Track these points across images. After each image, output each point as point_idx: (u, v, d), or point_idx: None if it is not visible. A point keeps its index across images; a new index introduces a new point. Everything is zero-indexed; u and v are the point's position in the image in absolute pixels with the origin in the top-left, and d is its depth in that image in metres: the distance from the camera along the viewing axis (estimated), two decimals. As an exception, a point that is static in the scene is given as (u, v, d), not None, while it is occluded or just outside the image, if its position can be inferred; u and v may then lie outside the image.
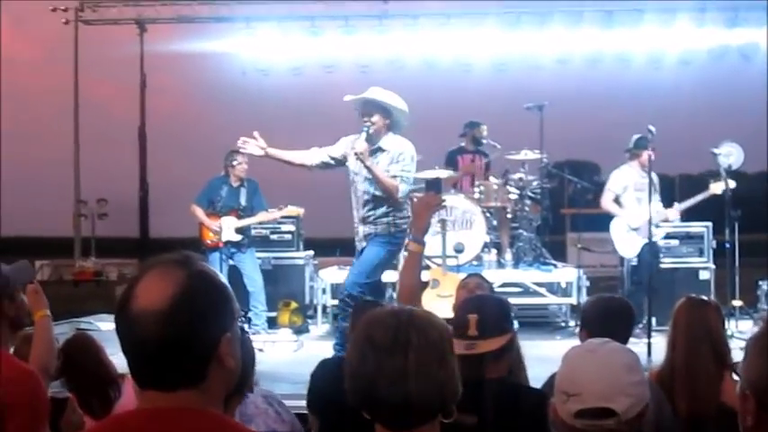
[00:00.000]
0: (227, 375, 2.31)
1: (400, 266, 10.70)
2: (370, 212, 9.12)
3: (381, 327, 2.69)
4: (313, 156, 9.36)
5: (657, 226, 11.46)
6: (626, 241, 11.71)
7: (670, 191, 14.54)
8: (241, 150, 9.55)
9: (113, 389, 3.91)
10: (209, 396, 2.28)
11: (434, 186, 4.88)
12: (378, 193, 9.04)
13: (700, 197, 11.83)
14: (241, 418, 3.98)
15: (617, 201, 11.79)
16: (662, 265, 11.77)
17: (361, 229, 9.19)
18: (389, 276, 11.63)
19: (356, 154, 8.93)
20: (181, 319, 2.21)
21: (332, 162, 9.36)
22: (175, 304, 2.21)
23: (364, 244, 9.17)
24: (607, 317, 5.05)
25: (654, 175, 11.44)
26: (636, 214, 11.45)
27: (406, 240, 4.92)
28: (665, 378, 5.05)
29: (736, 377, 3.23)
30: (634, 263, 11.91)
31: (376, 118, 9.00)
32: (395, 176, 8.98)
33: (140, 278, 2.27)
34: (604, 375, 2.92)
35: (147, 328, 2.20)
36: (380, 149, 9.04)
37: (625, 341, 4.79)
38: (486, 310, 4.29)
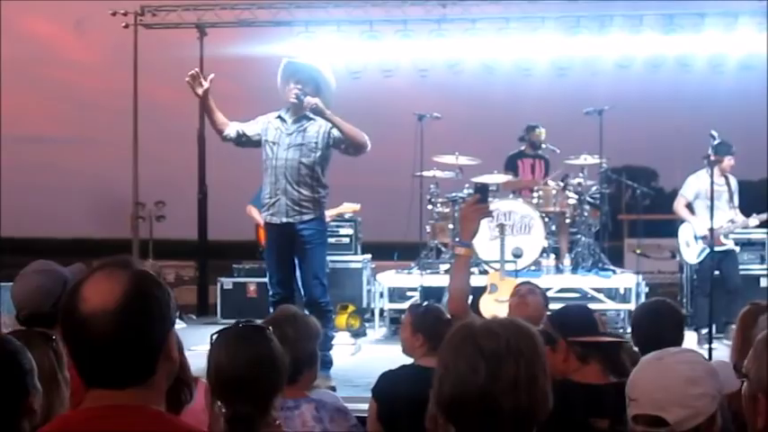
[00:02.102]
0: (172, 368, 2.42)
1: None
2: (295, 187, 8.62)
3: (491, 335, 2.62)
4: (231, 127, 8.89)
5: (727, 235, 11.45)
6: (691, 247, 11.66)
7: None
8: (186, 80, 8.77)
9: (186, 391, 3.90)
10: (155, 391, 2.37)
11: (481, 192, 4.86)
12: (304, 160, 8.61)
13: None
14: None
15: (690, 206, 11.70)
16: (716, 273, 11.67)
17: (284, 202, 8.63)
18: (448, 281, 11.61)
19: (312, 107, 8.56)
20: (132, 317, 2.30)
21: (243, 139, 8.88)
22: (125, 303, 2.29)
23: (284, 219, 8.64)
24: (655, 320, 5.04)
25: (733, 181, 11.40)
26: (704, 223, 11.35)
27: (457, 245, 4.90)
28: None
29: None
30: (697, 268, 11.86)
31: (309, 89, 8.66)
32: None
33: (84, 282, 2.36)
34: (661, 384, 2.90)
35: (100, 329, 2.27)
36: (308, 117, 8.68)
37: (674, 344, 4.76)
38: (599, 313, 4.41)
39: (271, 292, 8.83)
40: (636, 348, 5.21)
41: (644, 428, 2.88)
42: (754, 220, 11.66)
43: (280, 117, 8.80)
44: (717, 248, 11.14)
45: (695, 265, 11.95)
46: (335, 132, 8.60)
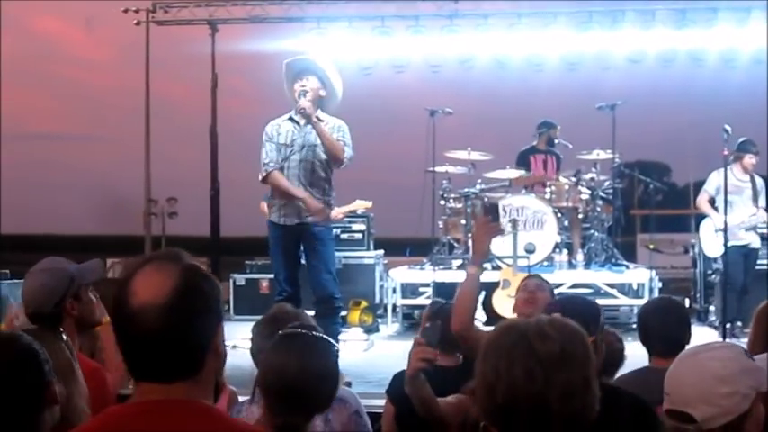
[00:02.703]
0: (219, 362, 2.42)
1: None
2: (308, 189, 8.59)
3: (546, 339, 2.50)
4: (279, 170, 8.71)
5: (753, 228, 11.47)
6: (712, 242, 11.67)
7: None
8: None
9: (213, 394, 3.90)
10: (203, 386, 2.36)
11: (492, 212, 4.87)
12: (316, 161, 8.59)
13: None
14: None
15: (713, 202, 11.71)
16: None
17: (297, 203, 8.61)
18: (461, 277, 11.63)
19: (300, 111, 8.44)
20: (183, 311, 2.29)
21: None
22: (176, 297, 2.28)
23: (297, 221, 8.62)
24: (662, 318, 5.01)
25: (759, 180, 11.39)
26: (722, 216, 11.34)
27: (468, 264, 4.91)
28: None
29: None
30: (718, 265, 11.87)
31: (313, 82, 8.53)
32: (338, 140, 8.55)
33: (134, 275, 2.34)
34: (691, 381, 2.89)
35: (150, 322, 2.26)
36: (319, 118, 8.56)
37: (682, 341, 4.74)
38: (569, 309, 4.24)
39: (278, 290, 8.80)
40: (644, 346, 5.19)
41: (675, 423, 2.87)
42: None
43: (291, 119, 8.73)
44: (736, 243, 11.13)
45: (716, 261, 11.93)
46: (339, 129, 8.64)
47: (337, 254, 12.48)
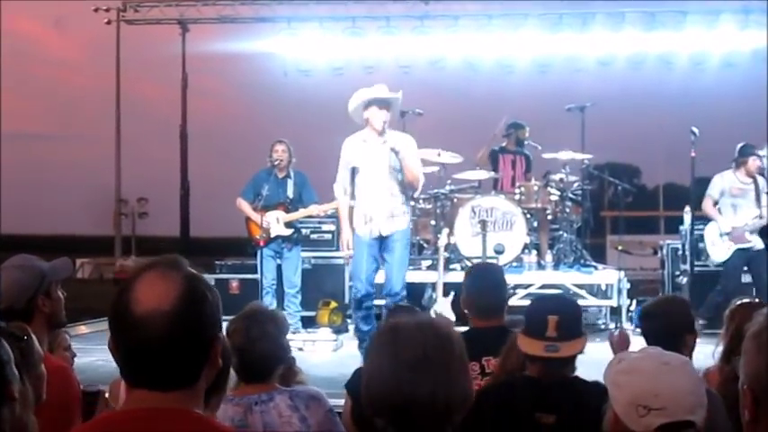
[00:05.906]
0: (214, 372, 2.39)
1: (440, 267, 10.71)
2: (394, 206, 9.15)
3: (410, 344, 2.72)
4: (346, 197, 9.47)
5: (756, 231, 11.51)
6: (716, 246, 11.68)
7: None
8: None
9: None
10: (196, 396, 2.34)
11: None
12: (402, 179, 9.12)
13: None
14: (265, 429, 3.98)
15: (716, 205, 11.75)
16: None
17: (386, 225, 9.14)
18: (430, 277, 11.67)
19: (392, 149, 8.95)
20: (188, 319, 2.27)
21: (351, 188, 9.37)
22: (181, 305, 2.26)
23: (383, 233, 9.15)
24: (680, 318, 5.01)
25: (762, 181, 11.42)
26: (727, 220, 11.40)
27: None
28: (730, 385, 4.96)
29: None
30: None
31: (389, 114, 9.10)
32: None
33: (136, 281, 2.30)
34: (690, 389, 2.92)
35: (155, 330, 2.24)
36: (384, 140, 9.09)
37: (693, 342, 4.77)
38: (565, 312, 4.24)
39: (362, 290, 9.33)
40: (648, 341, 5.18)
41: None
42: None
43: (364, 140, 9.17)
44: (742, 246, 11.21)
45: (720, 264, 11.92)
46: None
47: (306, 254, 12.52)
